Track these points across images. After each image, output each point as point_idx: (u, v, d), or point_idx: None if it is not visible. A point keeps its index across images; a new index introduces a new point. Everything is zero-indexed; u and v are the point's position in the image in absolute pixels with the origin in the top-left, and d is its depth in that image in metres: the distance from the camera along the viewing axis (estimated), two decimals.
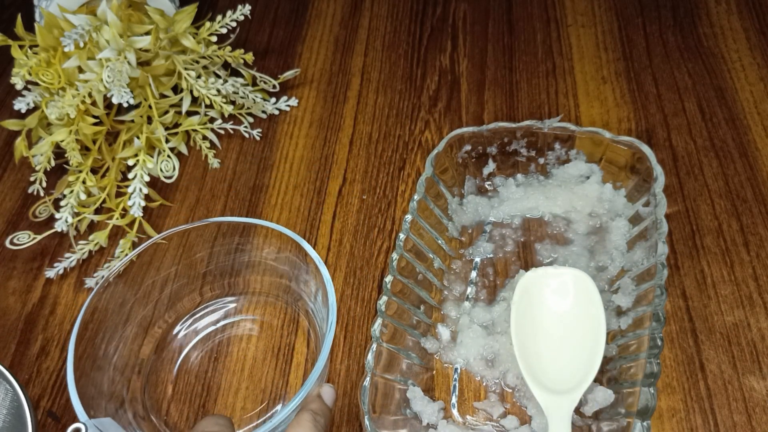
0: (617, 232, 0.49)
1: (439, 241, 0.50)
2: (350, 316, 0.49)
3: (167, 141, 0.57)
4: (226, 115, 0.60)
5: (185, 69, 0.56)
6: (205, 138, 0.59)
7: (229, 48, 0.58)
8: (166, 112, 0.58)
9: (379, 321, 0.43)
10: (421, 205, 0.49)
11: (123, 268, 0.44)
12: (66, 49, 0.50)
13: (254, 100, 0.60)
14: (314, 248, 0.53)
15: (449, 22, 0.69)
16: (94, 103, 0.53)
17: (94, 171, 0.56)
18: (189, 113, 0.59)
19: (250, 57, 0.58)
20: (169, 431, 0.44)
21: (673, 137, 0.57)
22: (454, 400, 0.45)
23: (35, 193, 0.56)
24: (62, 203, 0.53)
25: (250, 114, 0.62)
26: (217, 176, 0.59)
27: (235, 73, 0.62)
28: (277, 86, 0.62)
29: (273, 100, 0.62)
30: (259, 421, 0.44)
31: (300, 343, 0.48)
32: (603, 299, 0.44)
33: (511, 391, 0.44)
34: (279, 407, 0.45)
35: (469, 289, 0.49)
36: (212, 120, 0.60)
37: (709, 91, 0.60)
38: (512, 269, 0.50)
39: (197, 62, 0.57)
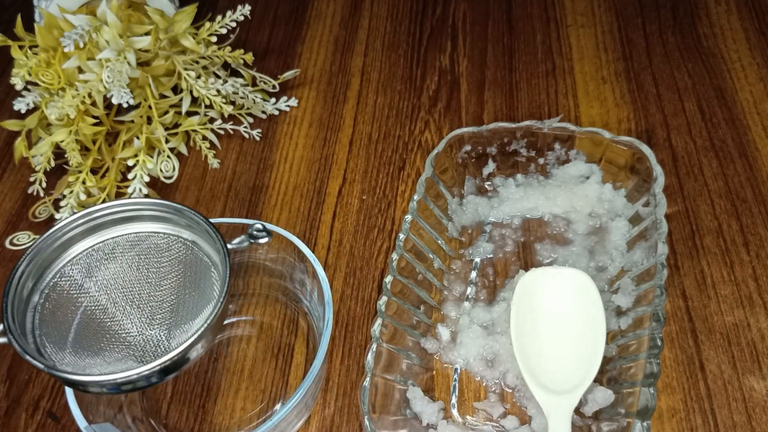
0: (617, 233, 0.49)
1: (439, 242, 0.50)
2: (350, 316, 0.49)
3: (167, 141, 0.57)
4: (226, 116, 0.60)
5: (185, 69, 0.56)
6: (204, 138, 0.59)
7: (228, 48, 0.58)
8: (166, 113, 0.58)
9: (379, 321, 0.43)
10: (421, 205, 0.49)
11: None
12: (66, 50, 0.50)
13: (254, 100, 0.60)
14: (314, 248, 0.53)
15: (449, 23, 0.69)
16: (93, 104, 0.53)
17: (94, 171, 0.56)
18: (189, 113, 0.59)
19: (249, 57, 0.58)
20: None
21: (672, 137, 0.57)
22: (454, 400, 0.45)
23: (35, 193, 0.56)
24: (62, 203, 0.53)
25: (249, 114, 0.62)
26: (216, 176, 0.59)
27: (235, 73, 0.62)
28: (277, 86, 0.62)
29: (273, 100, 0.62)
30: (259, 420, 0.44)
31: (299, 344, 0.48)
32: (603, 299, 0.44)
33: (511, 391, 0.44)
34: (278, 407, 0.45)
35: (469, 290, 0.49)
36: (212, 120, 0.60)
37: (708, 91, 0.60)
38: (512, 269, 0.50)
39: (197, 62, 0.57)
